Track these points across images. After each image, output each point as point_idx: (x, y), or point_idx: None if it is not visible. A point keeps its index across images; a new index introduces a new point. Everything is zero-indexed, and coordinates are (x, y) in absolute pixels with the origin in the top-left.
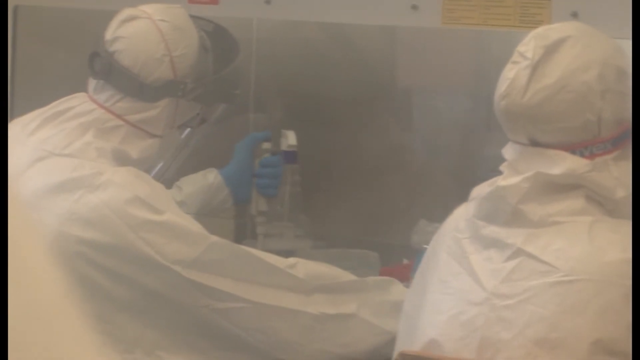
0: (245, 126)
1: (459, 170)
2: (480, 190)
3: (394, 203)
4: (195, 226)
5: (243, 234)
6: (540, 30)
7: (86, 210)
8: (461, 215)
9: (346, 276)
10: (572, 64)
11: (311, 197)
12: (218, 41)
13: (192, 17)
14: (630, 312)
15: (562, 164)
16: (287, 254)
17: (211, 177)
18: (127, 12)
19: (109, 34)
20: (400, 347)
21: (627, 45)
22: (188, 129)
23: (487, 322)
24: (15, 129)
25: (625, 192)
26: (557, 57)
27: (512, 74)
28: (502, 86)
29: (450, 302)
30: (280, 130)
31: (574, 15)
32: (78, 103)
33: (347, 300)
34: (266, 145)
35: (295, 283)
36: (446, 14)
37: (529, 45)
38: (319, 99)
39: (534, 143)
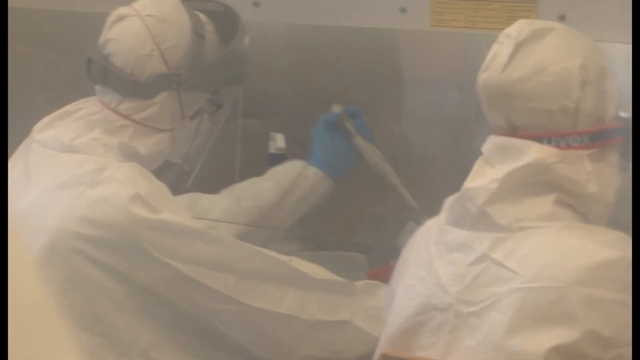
0: (233, 132)
1: (448, 175)
2: (450, 198)
3: (382, 205)
4: (193, 222)
5: None
6: (527, 20)
7: (86, 206)
8: (433, 224)
9: (337, 278)
10: (555, 51)
11: None
12: (227, 22)
13: (200, 1)
14: (590, 318)
15: (531, 154)
16: None
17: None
18: (116, 13)
19: (101, 38)
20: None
21: (614, 48)
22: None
23: (453, 329)
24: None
25: (597, 188)
26: (542, 42)
27: (494, 51)
28: (484, 62)
29: (415, 307)
30: (270, 132)
31: (561, 18)
32: (87, 105)
33: (341, 306)
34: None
35: (297, 277)
36: (434, 16)
37: (515, 27)
38: (308, 101)
39: (511, 127)
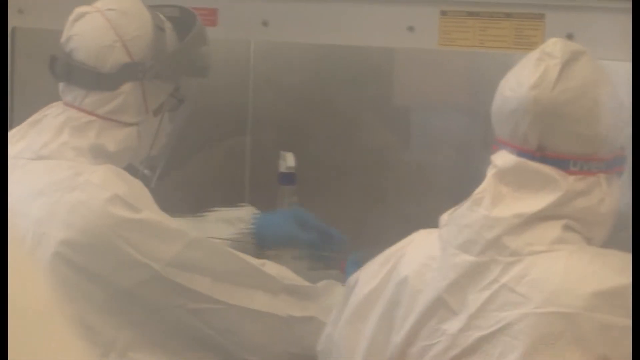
0: (242, 147)
1: (452, 190)
2: (457, 217)
3: (391, 223)
4: (173, 223)
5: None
6: (559, 39)
7: (65, 212)
8: (434, 241)
9: (303, 282)
10: (591, 75)
11: None
12: (186, 23)
13: (155, 6)
14: (602, 344)
15: (560, 187)
16: None
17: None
18: (77, 11)
19: (64, 36)
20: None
21: (623, 66)
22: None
23: (462, 353)
24: None
25: (607, 209)
26: (580, 65)
27: (542, 68)
28: (530, 78)
29: (422, 331)
30: (279, 151)
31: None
32: (51, 110)
33: (306, 306)
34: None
35: (266, 281)
36: (442, 35)
37: (556, 46)
38: (316, 119)
39: (541, 146)
